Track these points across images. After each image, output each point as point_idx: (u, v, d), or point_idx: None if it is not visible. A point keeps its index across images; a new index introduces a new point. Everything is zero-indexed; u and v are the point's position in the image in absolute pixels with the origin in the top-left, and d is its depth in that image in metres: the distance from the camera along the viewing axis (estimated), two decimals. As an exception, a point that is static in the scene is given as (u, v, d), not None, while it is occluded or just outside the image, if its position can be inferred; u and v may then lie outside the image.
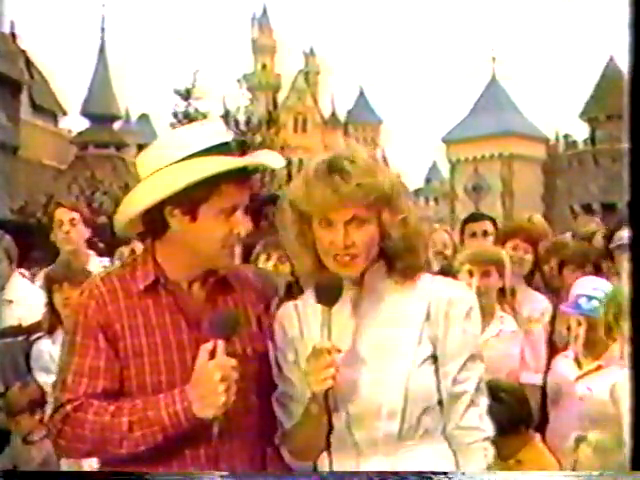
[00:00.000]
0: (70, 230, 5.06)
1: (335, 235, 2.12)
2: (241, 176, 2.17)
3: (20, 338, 4.42)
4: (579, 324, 3.69)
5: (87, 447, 2.17)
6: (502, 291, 4.07)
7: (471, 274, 3.94)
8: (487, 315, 3.93)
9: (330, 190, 2.09)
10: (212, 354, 2.05)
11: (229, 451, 2.22)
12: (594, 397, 3.52)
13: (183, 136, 2.26)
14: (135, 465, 2.17)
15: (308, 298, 2.28)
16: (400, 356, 2.16)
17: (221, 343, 2.05)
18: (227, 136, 2.27)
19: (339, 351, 2.07)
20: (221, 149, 2.19)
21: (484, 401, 2.23)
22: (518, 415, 3.40)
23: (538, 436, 3.51)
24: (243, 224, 2.20)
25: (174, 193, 2.12)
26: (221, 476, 2.19)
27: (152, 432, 2.10)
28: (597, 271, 4.68)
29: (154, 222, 2.20)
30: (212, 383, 2.02)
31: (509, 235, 4.80)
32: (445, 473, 2.16)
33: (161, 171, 2.17)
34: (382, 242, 2.18)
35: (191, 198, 2.13)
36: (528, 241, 4.67)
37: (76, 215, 5.15)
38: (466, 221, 5.56)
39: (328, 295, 2.11)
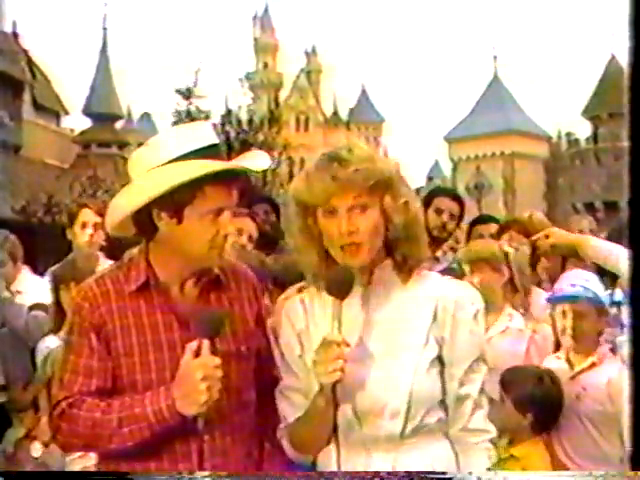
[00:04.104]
0: (93, 234, 5.09)
1: (339, 222, 2.14)
2: (226, 178, 2.19)
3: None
4: (564, 316, 3.64)
5: (81, 442, 2.26)
6: (515, 289, 4.04)
7: (472, 271, 3.94)
8: (493, 311, 3.92)
9: (329, 177, 2.13)
10: (198, 353, 2.09)
11: (222, 447, 2.25)
12: (590, 396, 3.48)
13: (171, 138, 2.28)
14: (127, 460, 2.23)
15: (314, 292, 2.31)
16: (406, 357, 2.17)
17: (206, 342, 2.08)
18: (214, 138, 2.28)
19: (348, 345, 2.08)
20: (209, 151, 2.21)
21: (486, 403, 2.26)
22: (558, 398, 3.47)
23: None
24: (231, 225, 2.22)
25: (157, 196, 2.15)
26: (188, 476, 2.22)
27: (139, 428, 2.15)
28: (597, 266, 4.68)
29: (143, 224, 2.24)
30: (194, 381, 2.06)
31: (503, 228, 4.82)
32: (444, 473, 2.18)
33: (146, 174, 2.20)
34: (386, 231, 2.20)
35: (176, 201, 2.16)
36: (522, 232, 4.66)
37: (100, 220, 5.16)
38: (474, 223, 5.56)
39: (339, 288, 2.13)
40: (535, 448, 3.42)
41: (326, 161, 2.17)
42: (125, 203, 2.24)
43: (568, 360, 3.67)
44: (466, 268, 4.00)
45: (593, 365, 3.55)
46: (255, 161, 2.31)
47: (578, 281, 3.64)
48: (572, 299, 3.60)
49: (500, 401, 3.41)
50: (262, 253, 4.23)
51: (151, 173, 2.20)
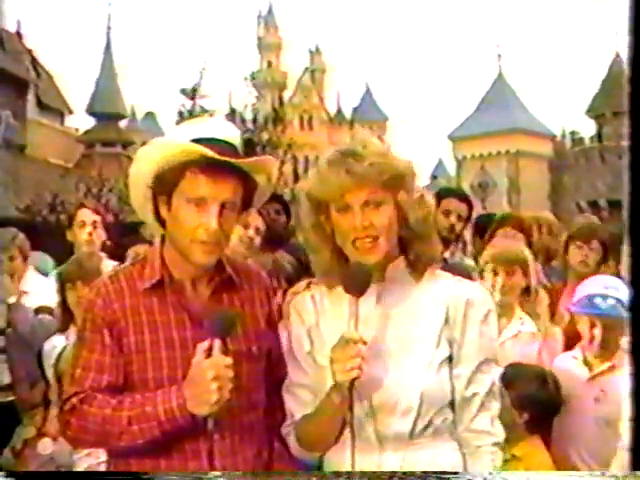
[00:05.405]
0: (92, 232, 5.13)
1: (353, 218, 2.13)
2: (212, 168, 2.15)
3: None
4: (593, 325, 3.56)
5: (91, 438, 2.26)
6: (526, 291, 4.00)
7: (495, 273, 3.90)
8: (507, 315, 3.90)
9: (344, 172, 2.11)
10: (210, 353, 2.09)
11: (232, 447, 2.26)
12: (609, 398, 3.43)
13: (177, 133, 2.31)
14: (137, 458, 2.24)
15: (324, 290, 2.31)
16: (418, 356, 2.18)
17: (218, 342, 2.08)
18: (223, 133, 2.26)
19: (365, 343, 2.08)
20: (219, 144, 2.18)
21: (496, 405, 2.25)
22: (558, 402, 3.46)
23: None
24: (215, 220, 2.16)
25: (146, 173, 2.20)
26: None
27: (149, 427, 2.16)
28: (603, 248, 4.60)
29: (157, 214, 2.27)
30: (205, 381, 2.07)
31: (499, 224, 4.82)
32: (456, 473, 2.19)
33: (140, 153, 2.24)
34: (399, 228, 2.19)
35: (165, 183, 2.18)
36: (517, 228, 4.68)
37: (98, 218, 5.23)
38: (477, 221, 5.59)
39: (357, 285, 2.12)
40: (535, 448, 3.41)
41: (340, 156, 2.15)
42: (130, 186, 2.29)
43: (586, 361, 3.63)
44: (489, 269, 3.94)
45: (613, 368, 3.51)
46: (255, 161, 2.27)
47: (610, 292, 3.53)
48: (607, 316, 3.52)
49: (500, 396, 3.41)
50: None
51: (145, 152, 2.23)
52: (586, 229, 4.82)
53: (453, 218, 4.95)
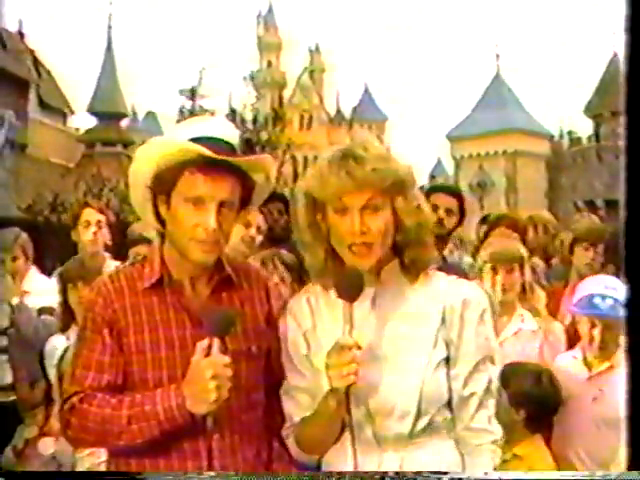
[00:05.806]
0: (97, 232, 5.14)
1: (350, 222, 2.11)
2: (210, 167, 2.15)
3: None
4: (593, 325, 3.55)
5: (90, 438, 2.26)
6: (522, 288, 3.99)
7: (495, 272, 3.90)
8: (508, 313, 3.91)
9: (345, 174, 2.08)
10: (209, 352, 2.09)
11: (231, 446, 2.26)
12: (607, 398, 3.44)
13: (175, 132, 2.32)
14: (137, 457, 2.24)
15: (320, 291, 2.29)
16: (416, 358, 2.17)
17: (217, 341, 2.08)
18: (222, 133, 2.26)
19: (360, 348, 2.06)
20: (217, 143, 2.19)
21: (493, 403, 2.25)
22: (554, 400, 3.47)
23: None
24: (214, 219, 2.17)
25: (146, 173, 2.20)
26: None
27: (149, 426, 2.16)
28: (607, 250, 4.57)
29: (157, 215, 2.27)
30: (203, 380, 2.06)
31: (494, 224, 4.82)
32: (446, 473, 2.18)
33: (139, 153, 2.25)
34: (395, 233, 2.17)
35: (164, 182, 2.19)
36: (511, 228, 4.68)
37: (103, 218, 5.24)
38: (482, 222, 5.63)
39: (350, 291, 2.10)
40: (537, 447, 3.43)
41: (341, 157, 2.12)
42: (129, 186, 2.30)
43: (585, 361, 3.63)
44: (488, 268, 3.95)
45: (612, 368, 3.51)
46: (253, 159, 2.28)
47: (609, 292, 3.52)
48: (606, 316, 3.51)
49: (497, 395, 3.43)
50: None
51: (143, 151, 2.24)
52: (594, 231, 4.81)
53: (441, 212, 4.86)
